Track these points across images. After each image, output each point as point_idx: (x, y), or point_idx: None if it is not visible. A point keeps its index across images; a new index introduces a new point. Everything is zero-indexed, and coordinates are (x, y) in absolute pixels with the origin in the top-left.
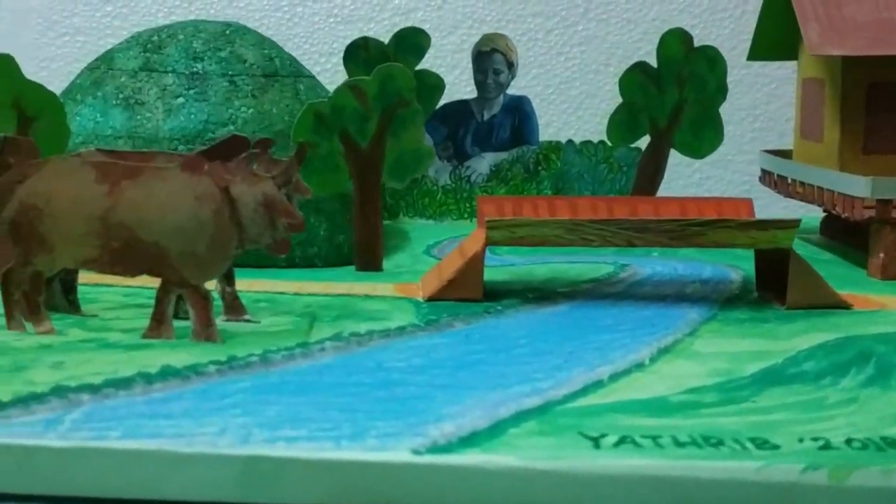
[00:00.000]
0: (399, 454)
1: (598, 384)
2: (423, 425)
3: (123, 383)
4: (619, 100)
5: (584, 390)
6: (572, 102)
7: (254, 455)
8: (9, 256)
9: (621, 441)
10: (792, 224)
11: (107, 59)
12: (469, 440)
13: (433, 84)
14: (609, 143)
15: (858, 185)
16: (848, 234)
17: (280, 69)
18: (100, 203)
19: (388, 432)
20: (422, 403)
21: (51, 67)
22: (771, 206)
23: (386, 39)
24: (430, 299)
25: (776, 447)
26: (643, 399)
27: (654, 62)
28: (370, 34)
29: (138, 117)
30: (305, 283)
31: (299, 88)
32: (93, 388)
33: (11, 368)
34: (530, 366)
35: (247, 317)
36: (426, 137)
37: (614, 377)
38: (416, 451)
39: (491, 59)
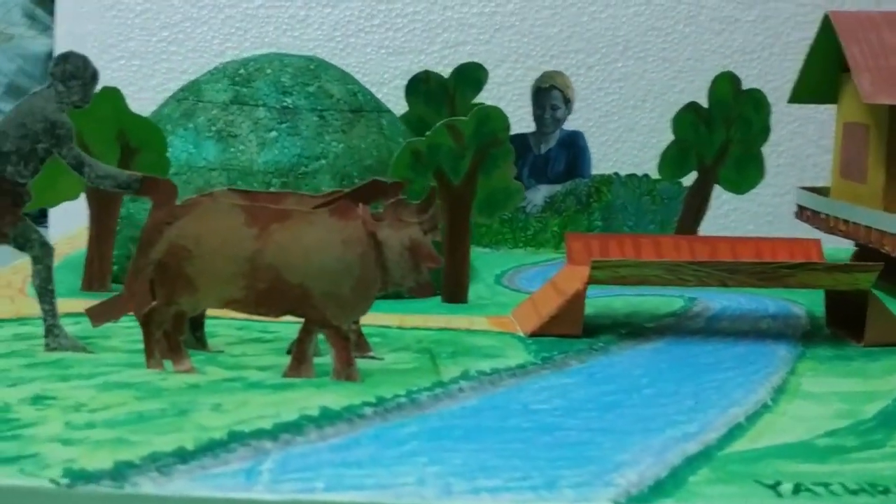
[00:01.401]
0: None
1: (739, 427)
2: (606, 474)
3: (294, 428)
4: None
5: (731, 434)
6: (611, 136)
7: None
8: (149, 296)
9: (797, 489)
10: (873, 268)
11: (194, 90)
12: (658, 490)
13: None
14: (659, 177)
15: None
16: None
17: (364, 104)
18: (249, 245)
19: (577, 482)
20: (591, 450)
21: None
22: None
23: (438, 71)
24: (532, 335)
25: None
26: (791, 443)
27: (687, 99)
28: (420, 66)
29: (232, 150)
30: (405, 316)
31: (382, 123)
32: (270, 435)
33: (175, 412)
34: (666, 408)
35: (371, 353)
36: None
37: (750, 419)
38: (615, 502)
39: (549, 95)
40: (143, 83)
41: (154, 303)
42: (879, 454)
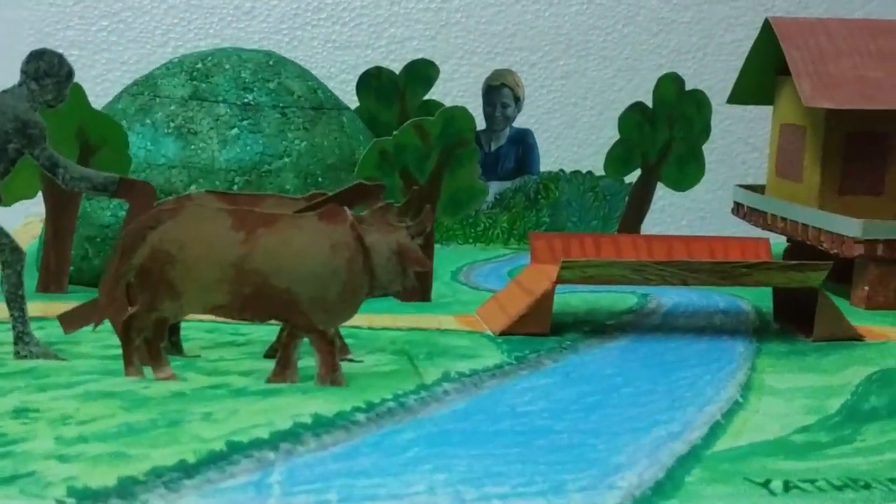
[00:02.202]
0: None
1: (719, 426)
2: (607, 477)
3: (292, 437)
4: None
5: (713, 433)
6: (553, 132)
7: None
8: (129, 303)
9: (787, 486)
10: (823, 267)
11: (150, 85)
12: (659, 491)
13: None
14: (604, 174)
15: (850, 226)
16: None
17: (325, 102)
18: (235, 250)
19: (582, 485)
20: (587, 452)
21: None
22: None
23: (382, 65)
24: (502, 334)
25: None
26: (770, 441)
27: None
28: (367, 60)
29: (192, 147)
30: (373, 316)
31: (343, 121)
32: (269, 444)
33: (167, 423)
34: (647, 407)
35: (350, 356)
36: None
37: (727, 417)
38: None
39: (500, 93)
40: (82, 74)
41: (133, 309)
42: (852, 449)
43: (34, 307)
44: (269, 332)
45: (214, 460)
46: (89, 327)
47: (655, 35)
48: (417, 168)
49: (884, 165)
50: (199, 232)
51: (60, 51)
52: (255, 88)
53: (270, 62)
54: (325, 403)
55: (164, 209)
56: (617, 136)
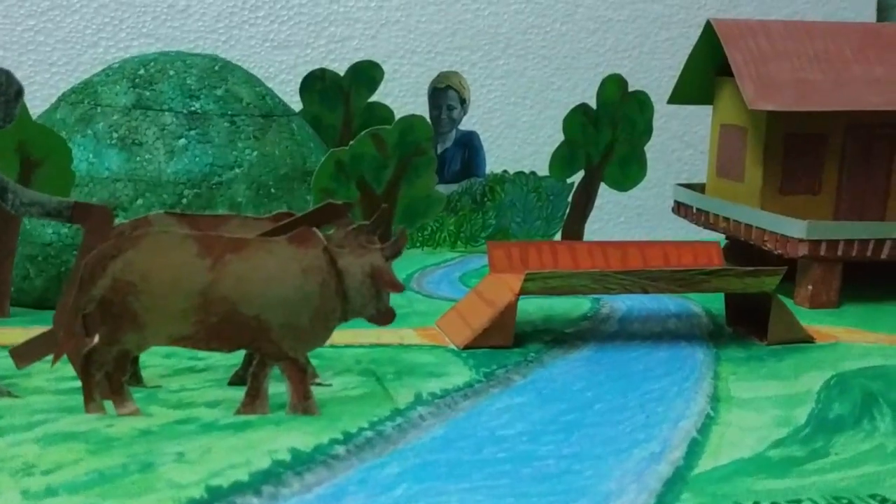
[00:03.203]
0: None
1: (696, 443)
2: None
3: (273, 477)
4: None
5: (692, 452)
6: (493, 132)
7: None
8: (85, 336)
9: None
10: (777, 272)
11: (90, 92)
12: None
13: (384, 117)
14: (548, 175)
15: (795, 227)
16: (748, 261)
17: (274, 108)
18: (201, 278)
19: None
20: (575, 480)
21: None
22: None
23: (321, 65)
24: (466, 347)
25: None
26: (748, 458)
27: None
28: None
29: (137, 159)
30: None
31: (293, 128)
32: (250, 488)
33: (138, 467)
34: (622, 426)
35: (318, 380)
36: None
37: (703, 433)
38: None
39: (445, 95)
40: None
41: (90, 342)
42: (828, 463)
43: None
44: (228, 356)
45: None
46: (43, 360)
47: (593, 33)
48: (374, 178)
49: (821, 166)
50: (163, 260)
51: None
52: (202, 96)
53: (216, 67)
54: (301, 436)
55: (125, 237)
56: (557, 136)
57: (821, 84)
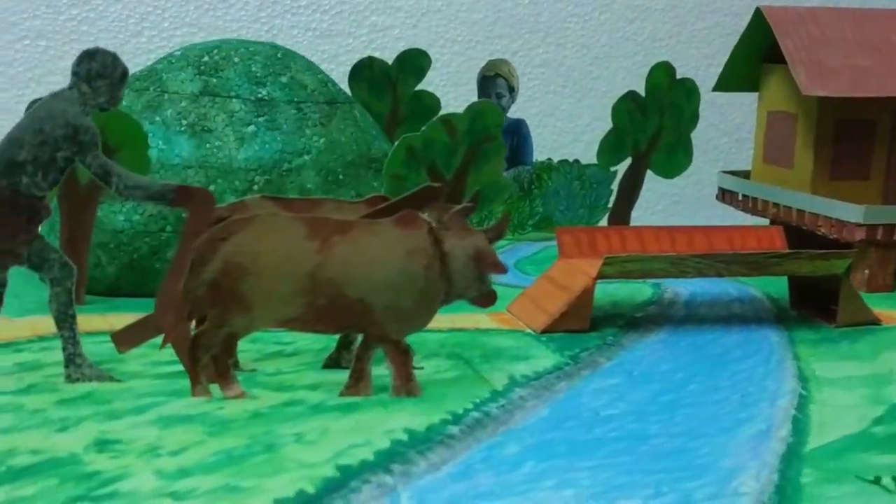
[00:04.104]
0: None
1: (799, 421)
2: (726, 483)
3: (398, 456)
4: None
5: (799, 429)
6: (532, 120)
7: None
8: (182, 316)
9: None
10: (846, 255)
11: (155, 79)
12: (783, 495)
13: (430, 105)
14: (596, 162)
15: (852, 212)
16: (793, 246)
17: (336, 96)
18: (310, 260)
19: (709, 493)
20: (695, 458)
21: (8, 73)
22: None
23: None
24: (543, 332)
25: None
26: (854, 434)
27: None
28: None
29: (207, 145)
30: None
31: (356, 115)
32: (382, 467)
33: (262, 448)
34: (722, 405)
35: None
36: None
37: (802, 411)
38: None
39: (494, 83)
40: (50, 66)
41: (188, 325)
42: None
43: (47, 322)
44: (313, 339)
45: (335, 488)
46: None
47: (631, 22)
48: (444, 164)
49: (871, 151)
50: (273, 242)
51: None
52: (268, 83)
53: (279, 55)
54: (411, 417)
55: (235, 220)
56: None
57: (872, 70)
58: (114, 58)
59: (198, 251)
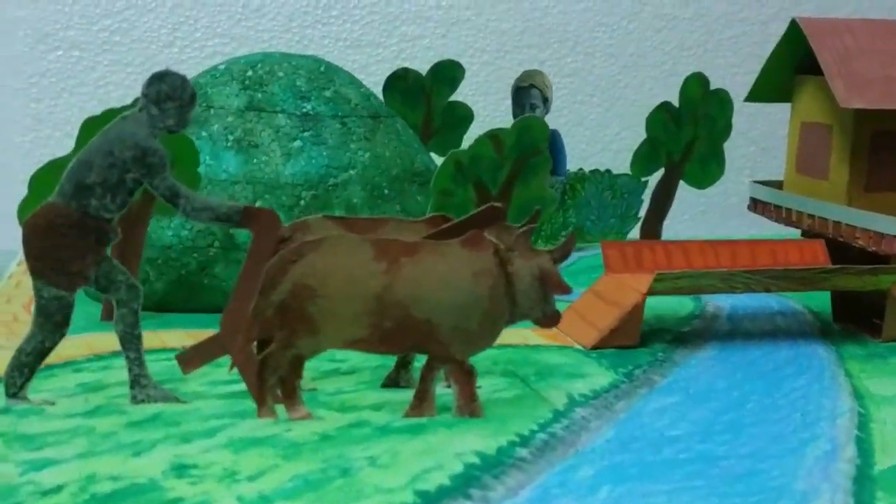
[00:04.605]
0: None
1: (863, 441)
2: None
3: (474, 482)
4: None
5: (864, 450)
6: (560, 130)
7: None
8: (250, 337)
9: None
10: (893, 269)
11: (200, 94)
12: None
13: (463, 115)
14: (631, 173)
15: (892, 224)
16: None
17: (379, 110)
18: (377, 281)
19: None
20: (767, 480)
21: (41, 84)
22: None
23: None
24: (593, 348)
25: None
26: None
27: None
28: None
29: (254, 161)
30: None
31: (398, 129)
32: (460, 492)
33: (338, 472)
34: (783, 424)
35: None
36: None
37: (863, 431)
38: None
39: (528, 93)
40: (83, 77)
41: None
42: None
43: (100, 339)
44: (367, 357)
45: None
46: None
47: (659, 32)
48: (491, 178)
49: None
50: (342, 264)
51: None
52: (312, 97)
53: (322, 69)
54: (478, 438)
55: (306, 241)
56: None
57: None
58: (183, 80)
59: (268, 273)
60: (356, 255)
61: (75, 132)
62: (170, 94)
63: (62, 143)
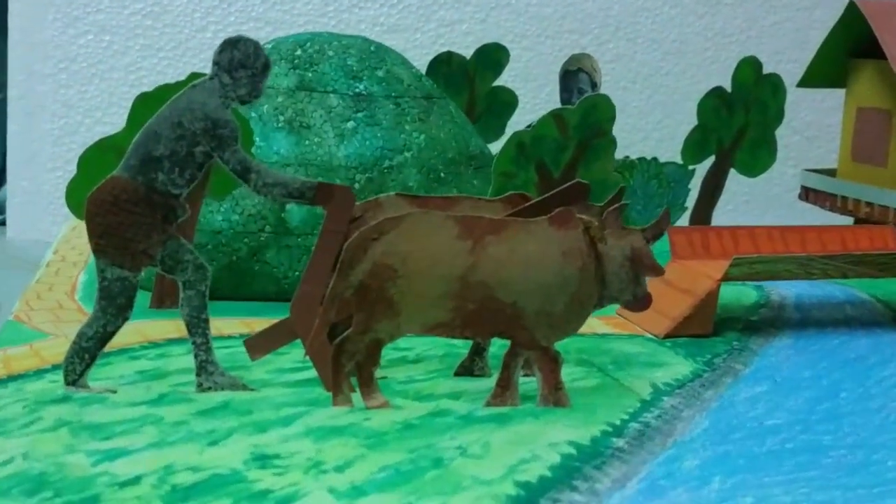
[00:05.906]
0: None
1: None
2: None
3: (576, 473)
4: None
5: None
6: None
7: None
8: (326, 321)
9: None
10: None
11: None
12: None
13: (507, 101)
14: (682, 161)
15: None
16: None
17: (432, 91)
18: (461, 261)
19: None
20: (883, 470)
21: (71, 69)
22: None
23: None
24: (666, 337)
25: None
26: None
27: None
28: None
29: (306, 142)
30: None
31: (451, 111)
32: (564, 484)
33: (430, 462)
34: (882, 413)
35: None
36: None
37: None
38: None
39: (577, 78)
40: (113, 61)
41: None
42: None
43: (150, 326)
44: (432, 344)
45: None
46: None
47: (701, 17)
48: (553, 160)
49: None
50: (424, 243)
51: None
52: (364, 77)
53: (372, 48)
54: (568, 429)
55: (387, 219)
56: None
57: None
58: (256, 47)
59: (346, 252)
60: (439, 233)
61: (106, 118)
62: (242, 62)
63: (93, 131)
